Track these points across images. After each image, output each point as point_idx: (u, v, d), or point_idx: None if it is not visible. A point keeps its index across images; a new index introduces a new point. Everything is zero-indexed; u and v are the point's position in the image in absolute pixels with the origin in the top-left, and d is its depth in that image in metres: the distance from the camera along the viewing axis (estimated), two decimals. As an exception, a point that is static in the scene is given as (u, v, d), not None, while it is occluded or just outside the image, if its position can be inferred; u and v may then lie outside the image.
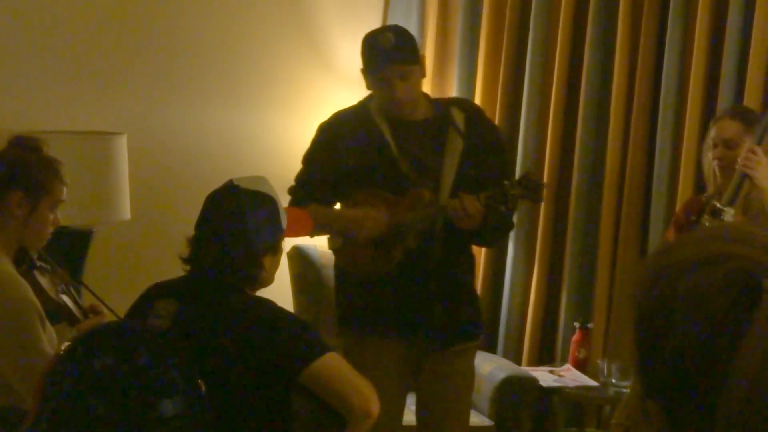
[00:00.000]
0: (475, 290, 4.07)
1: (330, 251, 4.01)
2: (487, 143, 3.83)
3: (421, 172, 3.77)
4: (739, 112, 4.18)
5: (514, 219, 4.08)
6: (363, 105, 3.88)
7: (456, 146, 3.77)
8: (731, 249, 1.03)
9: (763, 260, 1.01)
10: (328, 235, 3.95)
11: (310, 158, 3.93)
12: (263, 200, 2.99)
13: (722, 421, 0.97)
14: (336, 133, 3.86)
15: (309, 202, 3.82)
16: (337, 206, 3.94)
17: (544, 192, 3.87)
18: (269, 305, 2.95)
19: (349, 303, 3.91)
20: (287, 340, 2.85)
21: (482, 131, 3.85)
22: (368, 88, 3.81)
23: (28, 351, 3.06)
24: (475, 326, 3.96)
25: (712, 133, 4.11)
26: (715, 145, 4.08)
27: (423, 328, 3.80)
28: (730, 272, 1.01)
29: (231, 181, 3.01)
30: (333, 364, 2.86)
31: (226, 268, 2.94)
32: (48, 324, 3.16)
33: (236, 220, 2.95)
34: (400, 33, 3.77)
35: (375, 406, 2.86)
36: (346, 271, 3.91)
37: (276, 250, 3.03)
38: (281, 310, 2.96)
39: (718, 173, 4.07)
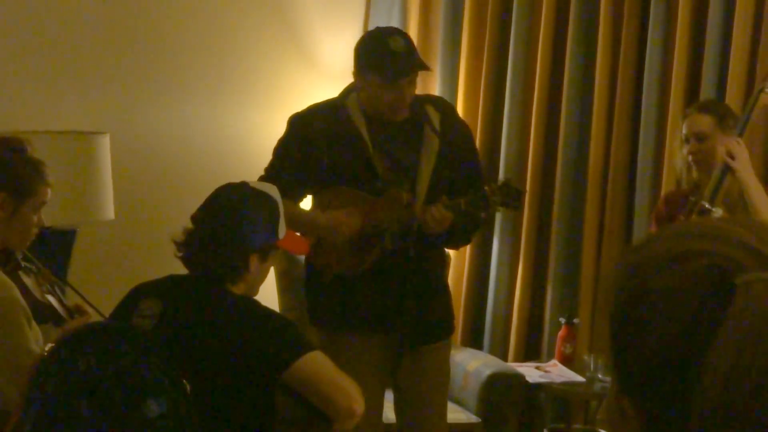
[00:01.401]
0: (447, 286, 4.05)
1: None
2: (461, 143, 3.83)
3: (396, 172, 3.74)
4: (709, 106, 4.20)
5: (486, 219, 4.06)
6: (340, 100, 3.83)
7: (432, 146, 3.75)
8: (704, 246, 1.03)
9: (738, 257, 1.01)
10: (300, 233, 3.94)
11: (281, 151, 3.85)
12: (266, 203, 3.01)
13: (697, 418, 0.97)
14: (310, 127, 3.79)
15: (281, 195, 3.78)
16: (308, 200, 3.91)
17: (524, 199, 3.86)
18: (253, 304, 2.94)
19: (321, 301, 3.87)
20: (270, 338, 2.84)
21: (456, 131, 3.84)
22: (359, 87, 3.75)
23: (15, 351, 3.05)
24: (449, 323, 3.97)
25: (684, 128, 4.14)
26: (687, 140, 4.11)
27: (397, 326, 3.79)
28: (701, 269, 1.01)
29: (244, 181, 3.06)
30: (316, 363, 2.85)
31: (212, 255, 2.93)
32: (34, 324, 3.15)
33: (233, 210, 2.96)
34: (406, 37, 3.71)
35: (359, 405, 2.85)
36: (318, 268, 3.86)
37: (264, 255, 3.00)
38: (265, 309, 2.96)
39: (693, 167, 4.09)
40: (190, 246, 2.98)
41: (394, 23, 5.73)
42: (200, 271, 2.98)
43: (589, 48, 5.19)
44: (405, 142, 3.77)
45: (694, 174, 4.09)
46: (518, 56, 5.34)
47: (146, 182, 5.16)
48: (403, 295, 3.77)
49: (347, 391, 2.84)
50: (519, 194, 3.70)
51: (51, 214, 3.39)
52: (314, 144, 3.75)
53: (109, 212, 4.58)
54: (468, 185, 3.73)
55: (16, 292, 3.11)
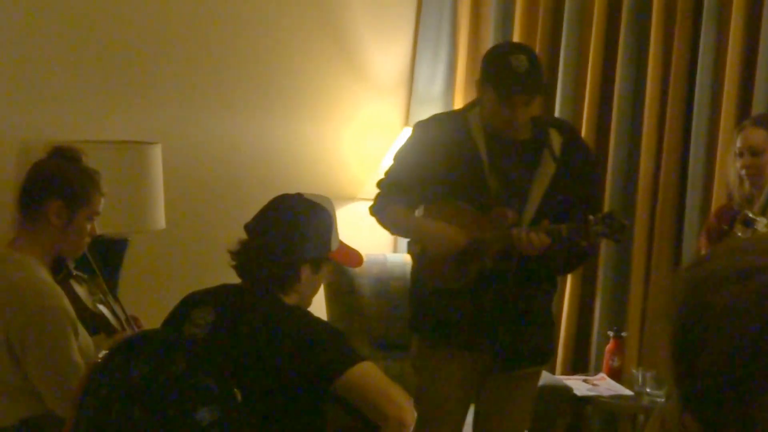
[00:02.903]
0: (551, 317, 3.98)
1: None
2: (579, 171, 3.78)
3: (508, 191, 3.72)
4: (764, 120, 4.17)
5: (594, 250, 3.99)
6: (463, 113, 3.84)
7: (548, 170, 3.72)
8: (763, 262, 1.02)
9: None
10: (408, 239, 3.97)
11: (402, 156, 3.88)
12: (319, 214, 3.04)
13: None
14: (431, 136, 3.81)
15: (393, 201, 3.81)
16: (420, 210, 3.94)
17: (627, 233, 3.79)
18: (304, 314, 2.95)
19: (421, 310, 3.89)
20: (321, 349, 2.85)
21: (577, 158, 3.79)
22: (481, 100, 3.75)
23: (59, 360, 3.07)
24: (544, 353, 3.94)
25: (738, 141, 4.11)
26: (741, 154, 4.09)
27: (489, 347, 3.79)
28: (763, 286, 1.01)
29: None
30: (367, 374, 2.86)
31: (263, 264, 2.96)
32: (82, 333, 3.17)
33: (286, 220, 3.01)
34: (532, 58, 3.68)
35: (410, 416, 2.85)
36: (421, 278, 3.89)
37: (316, 266, 3.02)
38: (316, 320, 2.97)
39: (746, 181, 4.07)
40: (244, 255, 3.01)
41: (444, 36, 5.75)
42: (252, 281, 3.00)
43: (640, 60, 5.16)
44: (521, 162, 3.74)
45: (746, 187, 4.07)
46: (569, 67, 5.32)
47: (197, 192, 5.19)
48: (499, 317, 3.75)
49: (398, 401, 2.84)
50: (622, 227, 3.62)
51: (103, 222, 3.42)
52: (432, 153, 3.77)
53: (160, 222, 4.61)
54: (582, 212, 3.66)
55: (66, 302, 3.14)
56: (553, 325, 3.99)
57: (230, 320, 2.91)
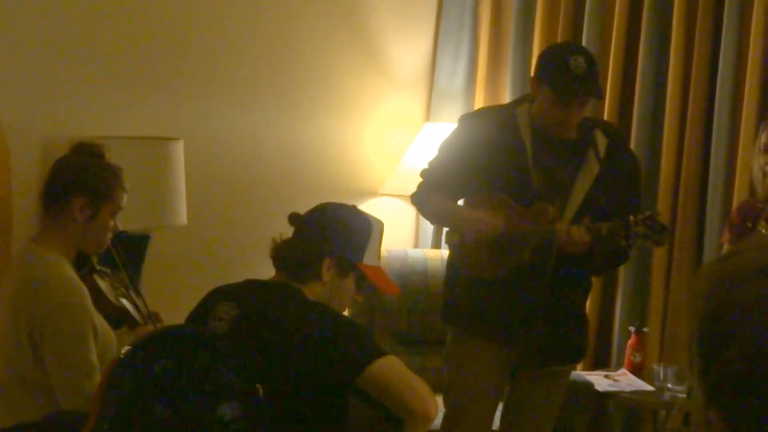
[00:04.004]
0: (584, 315, 4.01)
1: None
2: (623, 173, 3.80)
3: (550, 188, 3.74)
4: None
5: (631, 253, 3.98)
6: (510, 108, 3.86)
7: (592, 170, 3.74)
8: None
9: None
10: (446, 229, 3.99)
11: (447, 147, 3.91)
12: (362, 221, 3.09)
13: None
14: (477, 128, 3.83)
15: (435, 190, 3.84)
16: (461, 201, 3.95)
17: (668, 236, 3.78)
18: (326, 310, 2.96)
19: (455, 300, 3.91)
20: (344, 344, 2.86)
21: (621, 161, 3.81)
22: (535, 97, 3.77)
23: (76, 358, 3.09)
24: (577, 351, 3.95)
25: (762, 137, 4.10)
26: (765, 150, 4.07)
27: (523, 342, 3.80)
28: None
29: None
30: (391, 367, 2.86)
31: (291, 248, 3.01)
32: (104, 327, 3.19)
33: (327, 216, 3.07)
34: (590, 60, 3.70)
35: (434, 409, 2.86)
36: (457, 268, 3.90)
37: (343, 269, 3.03)
38: (338, 315, 2.98)
39: (765, 181, 4.06)
40: (281, 243, 3.05)
41: (466, 32, 5.74)
42: (279, 266, 3.03)
43: (661, 58, 5.15)
44: (566, 161, 3.76)
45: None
46: (589, 64, 5.31)
47: (219, 188, 5.21)
48: (534, 313, 3.76)
49: (422, 395, 2.85)
50: (663, 229, 3.62)
51: (125, 218, 3.44)
52: (477, 145, 3.79)
53: (182, 217, 4.63)
54: (621, 215, 3.66)
55: (87, 300, 3.15)
56: (587, 324, 4.00)
57: (254, 315, 2.92)
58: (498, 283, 3.76)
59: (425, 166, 3.94)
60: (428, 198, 3.86)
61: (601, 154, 3.74)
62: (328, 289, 3.01)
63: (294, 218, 3.11)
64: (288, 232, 3.12)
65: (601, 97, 3.88)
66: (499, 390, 3.91)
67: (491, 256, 3.76)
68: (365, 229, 3.07)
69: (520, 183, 3.73)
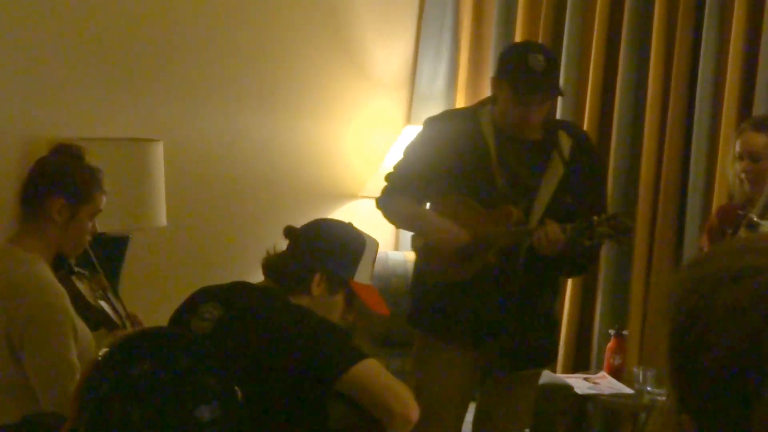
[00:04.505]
0: (555, 318, 4.00)
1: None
2: (587, 174, 3.80)
3: (515, 189, 3.73)
4: (762, 123, 4.16)
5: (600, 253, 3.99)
6: (474, 110, 3.85)
7: (556, 171, 3.73)
8: (762, 262, 1.02)
9: None
10: (412, 234, 3.99)
11: (411, 150, 3.90)
12: (355, 238, 3.07)
13: None
14: (441, 130, 3.83)
15: (400, 194, 3.82)
16: (427, 205, 3.95)
17: (633, 235, 3.78)
18: (308, 313, 2.95)
19: (422, 305, 3.90)
20: (324, 346, 2.85)
21: (586, 161, 3.81)
22: (496, 96, 3.75)
23: (56, 359, 3.08)
24: (547, 353, 3.95)
25: (737, 145, 4.11)
26: (740, 158, 4.08)
27: (492, 346, 3.79)
28: (761, 286, 1.01)
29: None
30: (371, 371, 2.85)
31: (282, 260, 3.01)
32: (83, 329, 3.17)
33: (321, 228, 3.09)
34: (550, 57, 3.69)
35: (414, 412, 2.86)
36: (422, 272, 3.89)
37: (333, 285, 3.01)
38: (319, 318, 2.96)
39: (746, 185, 4.07)
40: (273, 255, 3.05)
41: (447, 34, 5.75)
42: (268, 274, 3.03)
43: (642, 59, 5.17)
44: (530, 162, 3.75)
45: (747, 189, 4.07)
46: (570, 66, 5.33)
47: (198, 189, 5.19)
48: (503, 316, 3.75)
49: (403, 398, 2.84)
50: (627, 228, 3.62)
51: (105, 220, 3.42)
52: (441, 148, 3.78)
53: (162, 219, 4.61)
54: (587, 216, 3.66)
55: (66, 301, 3.14)
56: (556, 326, 4.00)
57: (237, 317, 2.91)
58: (465, 287, 3.75)
59: (390, 169, 3.92)
60: (393, 201, 3.84)
61: (566, 155, 3.74)
62: (316, 304, 2.99)
63: (288, 231, 3.09)
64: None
65: (562, 94, 3.86)
66: (468, 394, 3.90)
67: (456, 260, 3.75)
68: (359, 247, 3.05)
69: (485, 185, 3.72)
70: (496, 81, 3.74)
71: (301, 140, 5.50)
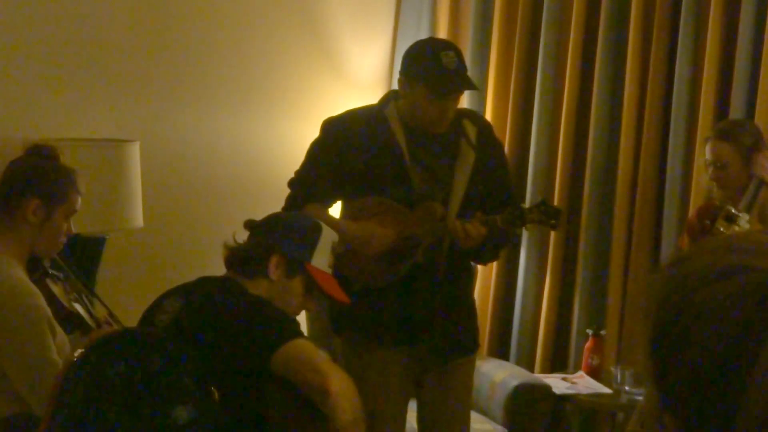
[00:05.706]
0: (473, 303, 4.01)
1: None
2: (495, 161, 3.82)
3: (431, 184, 3.72)
4: (726, 132, 4.19)
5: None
6: (378, 108, 3.79)
7: (468, 159, 3.73)
8: (745, 261, 1.02)
9: None
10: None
11: (314, 154, 3.80)
12: (312, 222, 3.11)
13: None
14: (346, 132, 3.75)
15: (308, 201, 3.72)
16: (338, 205, 3.91)
17: (562, 219, 3.81)
18: (249, 297, 2.91)
19: (347, 311, 3.75)
20: (258, 328, 2.81)
21: (492, 147, 3.83)
22: (404, 95, 3.72)
23: (36, 360, 3.06)
24: (475, 338, 3.96)
25: (706, 153, 4.17)
26: (709, 166, 4.15)
27: (424, 342, 3.78)
28: (745, 285, 1.00)
29: None
30: (302, 349, 2.77)
31: (243, 246, 3.04)
32: (58, 333, 3.16)
33: (277, 219, 3.16)
34: (459, 53, 3.68)
35: (333, 384, 2.70)
36: (346, 277, 3.77)
37: (291, 269, 3.02)
38: (257, 301, 2.91)
39: (718, 191, 4.13)
40: (233, 246, 3.07)
41: (423, 34, 5.73)
42: (228, 264, 3.05)
43: (618, 61, 5.18)
44: (441, 154, 3.74)
45: (720, 193, 4.13)
46: (547, 68, 5.33)
47: (175, 190, 5.18)
48: (432, 310, 3.75)
49: (321, 369, 2.73)
50: (557, 213, 3.66)
51: (81, 221, 3.40)
52: (349, 149, 3.72)
53: (138, 220, 4.59)
54: (499, 202, 3.71)
55: (42, 301, 3.13)
56: (476, 311, 4.00)
57: (194, 308, 2.89)
58: (392, 288, 3.73)
59: (292, 175, 3.82)
60: (302, 210, 3.69)
61: (473, 141, 3.75)
62: (275, 288, 2.99)
63: (248, 223, 3.13)
64: (242, 236, 3.11)
65: (477, 87, 3.87)
66: (408, 390, 3.89)
67: (379, 263, 3.72)
68: (314, 231, 3.07)
69: (401, 183, 3.69)
70: (407, 80, 3.70)
71: (278, 141, 5.48)
